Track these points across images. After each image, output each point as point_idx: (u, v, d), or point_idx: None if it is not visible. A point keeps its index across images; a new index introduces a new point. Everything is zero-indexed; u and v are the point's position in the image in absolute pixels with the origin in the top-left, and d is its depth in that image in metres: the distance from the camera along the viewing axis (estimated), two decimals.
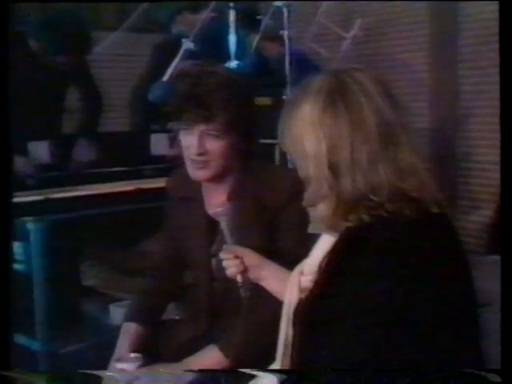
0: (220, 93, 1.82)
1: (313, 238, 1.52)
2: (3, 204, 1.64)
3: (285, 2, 3.31)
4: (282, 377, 1.43)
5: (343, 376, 1.28)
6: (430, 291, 1.27)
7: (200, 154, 1.85)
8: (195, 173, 1.89)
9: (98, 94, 3.77)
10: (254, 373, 1.46)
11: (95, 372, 1.53)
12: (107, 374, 1.65)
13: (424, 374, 1.25)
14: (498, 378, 1.26)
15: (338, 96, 1.33)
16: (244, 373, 1.51)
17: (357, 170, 1.30)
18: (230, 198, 1.92)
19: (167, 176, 2.17)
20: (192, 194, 2.00)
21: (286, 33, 3.34)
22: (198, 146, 1.84)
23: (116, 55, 4.98)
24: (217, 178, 1.91)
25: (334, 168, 1.31)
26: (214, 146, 1.85)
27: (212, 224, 1.86)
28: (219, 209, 1.76)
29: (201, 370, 1.74)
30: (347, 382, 1.28)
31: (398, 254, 1.27)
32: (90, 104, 3.73)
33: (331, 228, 1.36)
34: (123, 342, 1.97)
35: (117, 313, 3.21)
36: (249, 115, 1.91)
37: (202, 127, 1.83)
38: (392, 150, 1.31)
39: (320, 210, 1.36)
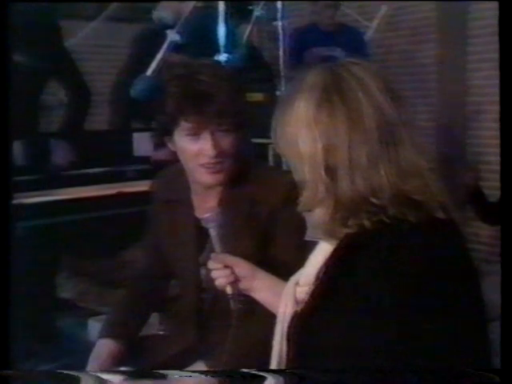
0: (225, 85, 1.83)
1: (310, 246, 1.53)
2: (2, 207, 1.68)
3: None
4: (282, 378, 1.44)
5: (344, 377, 1.30)
6: (435, 303, 1.28)
7: (216, 156, 1.85)
8: (208, 178, 1.89)
9: (82, 90, 3.76)
10: (254, 373, 1.48)
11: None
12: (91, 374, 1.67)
13: (423, 374, 1.27)
14: (497, 378, 1.29)
15: (335, 92, 1.33)
16: (243, 373, 1.52)
17: (355, 171, 1.31)
18: (221, 203, 1.94)
19: (151, 178, 2.17)
20: (180, 197, 2.01)
21: (279, 24, 3.35)
22: (213, 146, 1.84)
23: (95, 47, 4.98)
24: (229, 181, 1.92)
25: (330, 170, 1.32)
26: (228, 142, 1.86)
27: (202, 230, 1.86)
28: (207, 214, 1.76)
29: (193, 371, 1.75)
30: (348, 382, 1.30)
31: (401, 263, 1.28)
32: (72, 100, 3.73)
33: (329, 234, 1.37)
34: (96, 362, 1.96)
35: (96, 328, 3.20)
36: (246, 108, 1.93)
37: (213, 126, 1.84)
38: (393, 149, 1.32)
39: (317, 215, 1.37)
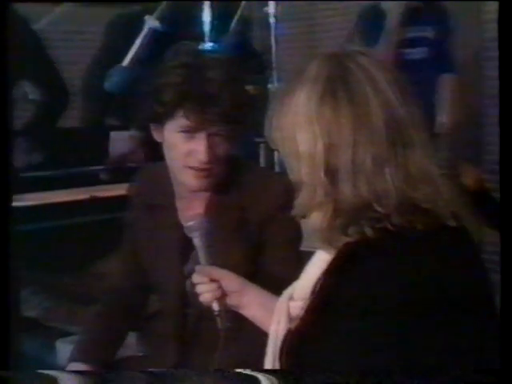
0: (234, 88, 1.86)
1: (306, 258, 1.54)
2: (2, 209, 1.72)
3: None
4: (280, 378, 1.46)
5: (342, 378, 1.32)
6: (444, 318, 1.30)
7: (208, 161, 1.87)
8: (194, 182, 1.90)
9: (58, 88, 3.75)
10: (252, 373, 1.50)
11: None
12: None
13: (423, 374, 1.30)
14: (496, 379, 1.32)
15: (340, 84, 1.34)
16: (241, 373, 1.54)
17: (359, 174, 1.32)
18: (208, 208, 1.95)
19: (128, 181, 2.17)
20: (162, 201, 2.02)
21: (271, 9, 3.37)
22: (206, 150, 1.86)
23: (63, 33, 4.97)
24: (217, 186, 1.94)
25: (331, 171, 1.33)
26: (223, 148, 1.89)
27: (186, 238, 1.86)
28: (191, 222, 1.78)
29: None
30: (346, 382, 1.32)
31: (407, 276, 1.29)
32: (47, 99, 3.72)
33: (327, 242, 1.37)
34: None
35: (65, 350, 3.20)
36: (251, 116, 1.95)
37: (213, 128, 1.86)
38: (401, 152, 1.33)
39: (313, 221, 1.38)
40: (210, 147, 1.86)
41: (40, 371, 1.68)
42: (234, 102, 1.85)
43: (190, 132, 1.86)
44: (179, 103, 1.84)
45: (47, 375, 1.62)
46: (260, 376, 1.47)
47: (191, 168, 1.88)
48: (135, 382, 1.57)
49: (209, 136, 1.86)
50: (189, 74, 1.85)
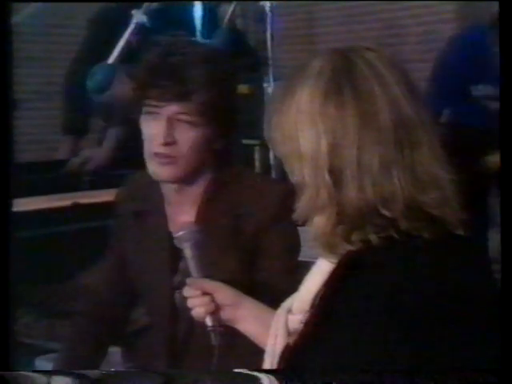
0: (198, 65, 1.87)
1: (304, 268, 1.55)
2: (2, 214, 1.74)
3: None
4: (279, 378, 1.48)
5: (342, 378, 1.34)
6: (452, 338, 1.31)
7: (167, 144, 1.88)
8: (159, 170, 1.92)
9: None
10: (251, 373, 1.51)
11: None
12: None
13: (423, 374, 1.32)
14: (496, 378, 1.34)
15: (346, 81, 1.35)
16: (240, 373, 1.56)
17: (365, 176, 1.33)
18: (199, 216, 1.96)
19: (114, 186, 2.18)
20: (151, 208, 2.03)
21: (267, 3, 3.38)
22: (165, 132, 1.87)
23: (44, 27, 4.98)
24: (185, 182, 1.94)
25: (335, 173, 1.34)
26: (186, 135, 1.89)
27: (176, 247, 1.87)
28: (181, 232, 1.78)
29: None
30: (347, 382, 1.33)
31: (413, 287, 1.30)
32: None
33: (328, 249, 1.38)
34: None
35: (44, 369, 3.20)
36: (231, 101, 1.97)
37: (173, 109, 1.87)
38: (409, 153, 1.34)
39: (315, 226, 1.38)
40: (170, 129, 1.88)
41: (40, 371, 1.71)
42: (201, 80, 1.86)
43: (152, 113, 1.89)
44: (145, 82, 1.88)
45: (47, 375, 1.64)
46: (260, 376, 1.48)
47: (155, 155, 1.90)
48: (135, 382, 1.59)
49: (169, 116, 1.88)
50: (157, 52, 1.90)
